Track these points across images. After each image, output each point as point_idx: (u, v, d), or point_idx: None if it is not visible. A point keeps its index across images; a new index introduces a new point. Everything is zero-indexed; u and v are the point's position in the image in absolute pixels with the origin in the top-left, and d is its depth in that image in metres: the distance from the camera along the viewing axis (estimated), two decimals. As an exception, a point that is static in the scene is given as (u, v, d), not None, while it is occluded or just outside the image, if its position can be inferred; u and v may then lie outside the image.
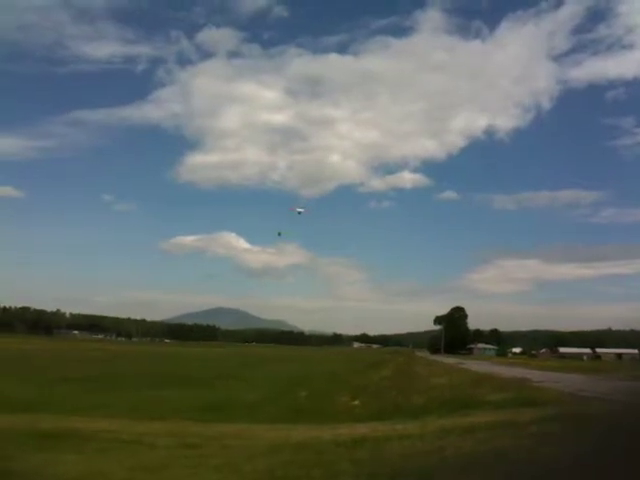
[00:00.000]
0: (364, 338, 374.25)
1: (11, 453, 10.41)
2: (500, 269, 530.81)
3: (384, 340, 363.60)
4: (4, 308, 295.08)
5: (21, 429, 13.19)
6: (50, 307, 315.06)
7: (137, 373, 42.17)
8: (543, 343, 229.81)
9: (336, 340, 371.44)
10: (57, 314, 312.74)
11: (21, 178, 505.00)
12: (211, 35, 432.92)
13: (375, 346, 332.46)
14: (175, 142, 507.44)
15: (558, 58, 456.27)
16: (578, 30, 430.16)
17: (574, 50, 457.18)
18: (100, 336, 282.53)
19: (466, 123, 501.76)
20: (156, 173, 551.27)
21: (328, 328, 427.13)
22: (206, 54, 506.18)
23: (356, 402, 23.32)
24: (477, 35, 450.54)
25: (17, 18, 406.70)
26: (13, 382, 30.13)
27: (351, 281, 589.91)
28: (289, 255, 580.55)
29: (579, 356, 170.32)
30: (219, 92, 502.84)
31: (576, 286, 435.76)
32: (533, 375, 41.53)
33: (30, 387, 28.12)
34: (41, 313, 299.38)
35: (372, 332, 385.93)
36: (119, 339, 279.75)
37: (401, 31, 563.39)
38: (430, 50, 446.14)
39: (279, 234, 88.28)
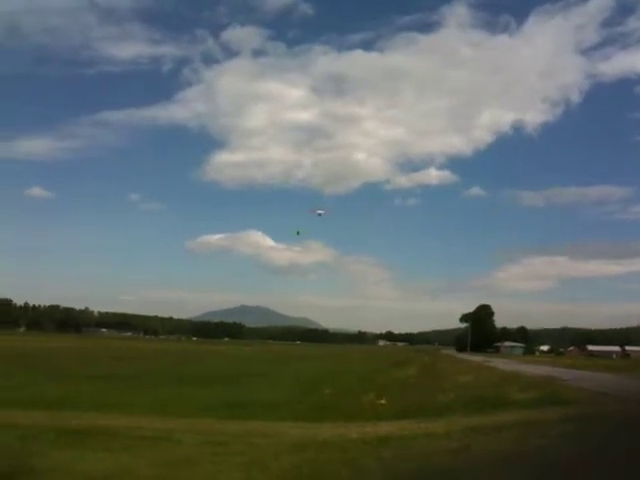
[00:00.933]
0: (389, 336, 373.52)
1: (39, 450, 10.53)
2: (527, 266, 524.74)
3: (409, 338, 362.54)
4: (33, 307, 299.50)
5: (48, 426, 13.33)
6: (78, 305, 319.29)
7: (163, 370, 42.51)
8: (571, 341, 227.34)
9: (361, 338, 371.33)
10: (85, 312, 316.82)
11: (49, 179, 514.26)
12: (236, 34, 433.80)
13: (400, 344, 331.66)
14: (201, 141, 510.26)
15: (587, 52, 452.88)
16: (607, 23, 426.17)
17: (603, 44, 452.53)
18: (128, 334, 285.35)
19: (493, 119, 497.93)
20: (182, 172, 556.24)
21: (352, 326, 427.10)
22: (231, 53, 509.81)
23: (381, 400, 23.23)
24: (504, 29, 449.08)
25: (44, 21, 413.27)
26: (41, 379, 30.55)
27: (376, 279, 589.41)
28: (314, 253, 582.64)
29: (608, 354, 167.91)
30: (244, 91, 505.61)
31: (605, 283, 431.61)
32: (560, 374, 41.03)
33: (57, 385, 28.49)
34: (70, 311, 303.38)
35: (397, 330, 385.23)
36: (146, 337, 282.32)
37: (427, 27, 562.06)
38: (456, 45, 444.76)
39: (298, 233, 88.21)
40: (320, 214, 75.30)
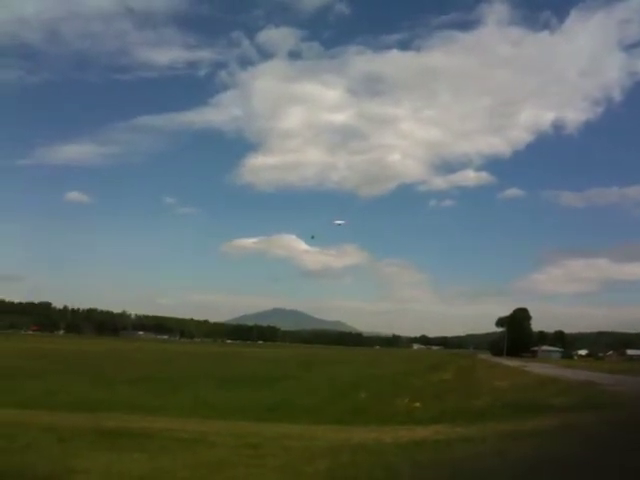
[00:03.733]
0: (423, 340, 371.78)
1: (77, 451, 10.71)
2: (566, 269, 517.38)
3: (444, 342, 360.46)
4: (72, 310, 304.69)
5: (87, 428, 13.54)
6: (116, 309, 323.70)
7: (198, 373, 42.80)
8: (610, 345, 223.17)
9: (395, 341, 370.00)
10: (123, 315, 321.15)
11: (87, 183, 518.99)
12: (271, 35, 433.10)
13: (435, 348, 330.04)
14: (236, 144, 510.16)
15: (629, 49, 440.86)
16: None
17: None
18: (164, 337, 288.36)
19: (533, 118, 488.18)
20: (218, 176, 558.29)
21: (387, 329, 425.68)
22: (267, 55, 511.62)
23: (417, 404, 23.09)
24: (545, 26, 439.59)
25: (83, 27, 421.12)
26: (80, 383, 30.99)
27: (410, 282, 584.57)
28: (348, 256, 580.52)
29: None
30: (280, 93, 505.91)
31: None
32: (599, 378, 40.31)
33: (96, 387, 28.87)
34: (107, 314, 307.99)
35: (431, 334, 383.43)
36: (182, 340, 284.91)
37: (465, 25, 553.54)
38: (496, 43, 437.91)
39: (312, 237, 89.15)
40: (339, 224, 74.83)
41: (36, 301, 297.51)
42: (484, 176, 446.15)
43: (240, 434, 14.09)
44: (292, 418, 19.61)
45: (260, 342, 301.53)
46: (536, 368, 64.63)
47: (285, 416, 20.28)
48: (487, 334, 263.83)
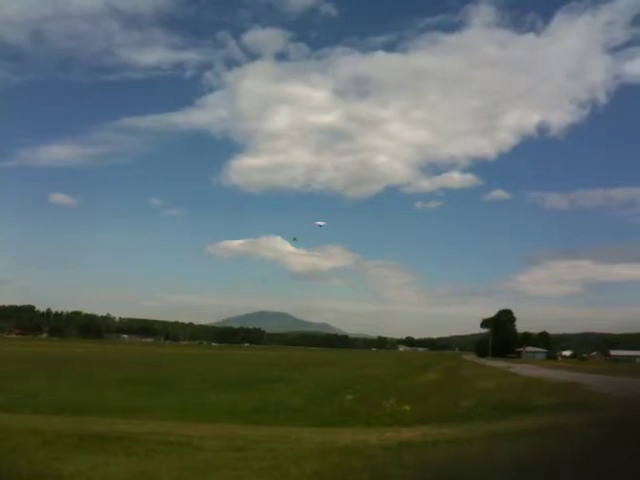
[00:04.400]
0: (409, 341, 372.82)
1: (62, 455, 10.61)
2: (551, 270, 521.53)
3: (430, 343, 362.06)
4: (56, 313, 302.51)
5: (72, 431, 13.40)
6: (100, 311, 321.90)
7: (184, 376, 42.62)
8: (594, 346, 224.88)
9: (381, 343, 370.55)
10: (107, 318, 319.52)
11: (72, 185, 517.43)
12: (258, 36, 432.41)
13: (421, 349, 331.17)
14: (223, 146, 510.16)
15: (614, 51, 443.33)
16: (637, 21, 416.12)
17: (631, 42, 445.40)
18: (149, 340, 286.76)
19: (518, 120, 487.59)
20: (204, 178, 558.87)
21: (373, 331, 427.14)
22: (253, 56, 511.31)
23: (404, 406, 23.12)
24: (531, 28, 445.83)
25: (68, 27, 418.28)
26: (64, 385, 30.78)
27: (397, 284, 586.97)
28: (334, 258, 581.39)
29: (631, 359, 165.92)
30: (266, 94, 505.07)
31: (631, 287, 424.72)
32: (583, 379, 40.54)
33: (80, 390, 28.69)
34: (91, 317, 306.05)
35: (417, 335, 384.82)
36: (167, 343, 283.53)
37: (452, 27, 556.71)
38: (482, 45, 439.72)
39: (294, 239, 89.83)
40: (321, 225, 75.65)
41: (19, 304, 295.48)
42: (470, 178, 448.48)
43: (227, 437, 14.04)
44: (279, 420, 19.58)
45: (246, 345, 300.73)
46: (521, 369, 64.99)
47: (272, 418, 20.24)
48: (472, 335, 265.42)
